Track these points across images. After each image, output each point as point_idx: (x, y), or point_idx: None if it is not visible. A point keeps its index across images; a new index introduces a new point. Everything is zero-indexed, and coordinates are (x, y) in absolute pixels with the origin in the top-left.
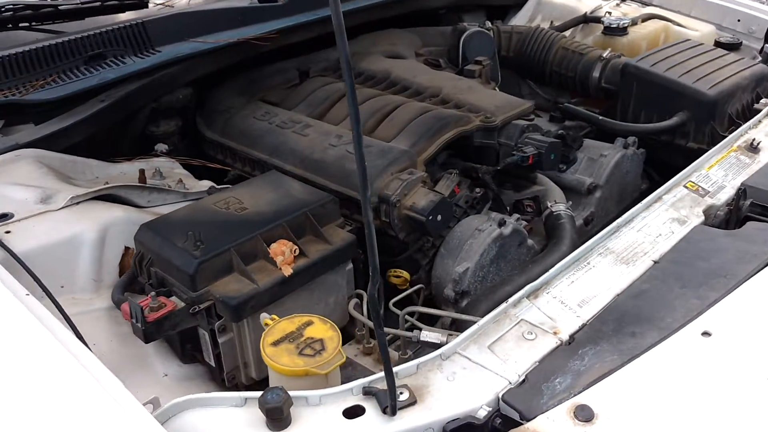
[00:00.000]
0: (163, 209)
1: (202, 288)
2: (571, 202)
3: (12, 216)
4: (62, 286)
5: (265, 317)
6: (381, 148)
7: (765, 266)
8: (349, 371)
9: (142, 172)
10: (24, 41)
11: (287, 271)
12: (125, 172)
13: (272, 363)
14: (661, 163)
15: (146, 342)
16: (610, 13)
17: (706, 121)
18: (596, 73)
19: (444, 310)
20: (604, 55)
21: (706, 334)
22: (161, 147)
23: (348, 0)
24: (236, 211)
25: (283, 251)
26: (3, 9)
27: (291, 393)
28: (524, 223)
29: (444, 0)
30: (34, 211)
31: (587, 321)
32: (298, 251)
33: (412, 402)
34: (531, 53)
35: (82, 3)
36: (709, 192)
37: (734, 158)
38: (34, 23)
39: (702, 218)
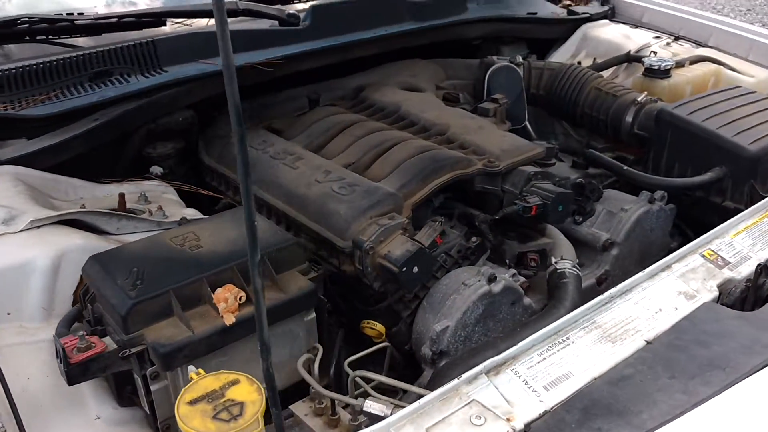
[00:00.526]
0: (131, 238)
1: (135, 331)
2: (578, 260)
3: None
4: (9, 313)
5: (192, 370)
6: (367, 188)
7: None
8: (296, 431)
9: (121, 196)
10: (36, 54)
11: (229, 319)
12: (111, 193)
13: (182, 425)
14: (695, 220)
15: (69, 384)
16: (655, 52)
17: (745, 179)
18: (629, 118)
19: (423, 368)
20: (639, 99)
21: None
22: (156, 170)
23: (377, 26)
24: (190, 248)
25: (226, 298)
26: (19, 21)
27: None
28: (521, 279)
29: (479, 30)
30: None
31: (550, 408)
32: (244, 298)
33: None
34: (562, 92)
35: (96, 19)
36: (729, 263)
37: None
38: (50, 36)
39: (715, 294)
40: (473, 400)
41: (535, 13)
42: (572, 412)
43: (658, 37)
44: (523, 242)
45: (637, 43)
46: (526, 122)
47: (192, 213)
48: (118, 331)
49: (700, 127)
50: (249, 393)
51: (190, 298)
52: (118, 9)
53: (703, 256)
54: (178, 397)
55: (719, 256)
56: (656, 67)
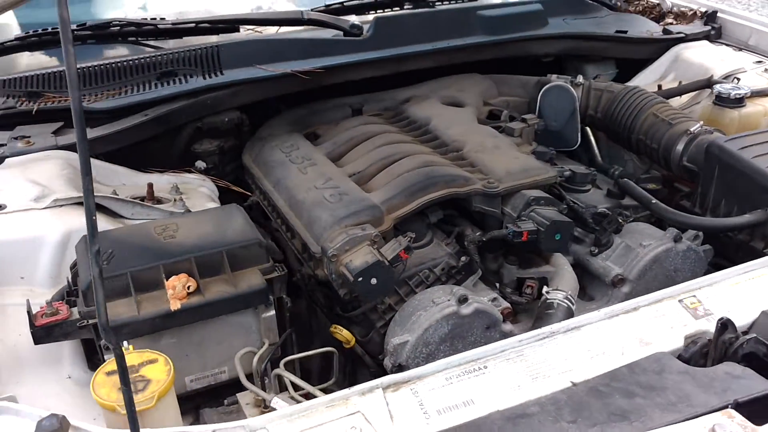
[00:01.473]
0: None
1: (93, 305)
2: (570, 292)
3: (4, 207)
4: (22, 278)
5: (125, 346)
6: (352, 198)
7: (687, 419)
8: (233, 417)
9: (150, 185)
10: (116, 55)
11: (174, 305)
12: (158, 181)
13: (92, 391)
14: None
15: (36, 343)
16: (738, 78)
17: None
18: (679, 148)
19: None
20: (693, 129)
21: None
22: (200, 164)
23: (441, 39)
24: (164, 237)
25: (174, 285)
26: (111, 25)
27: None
28: (504, 304)
29: (551, 47)
30: (23, 207)
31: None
32: (193, 288)
33: None
34: (619, 116)
35: (176, 24)
36: (711, 314)
37: None
38: (139, 39)
39: (678, 345)
40: (358, 411)
41: (625, 32)
42: None
43: (759, 62)
44: (523, 268)
45: (731, 66)
46: (594, 147)
47: (213, 206)
48: (80, 304)
49: (748, 163)
50: (159, 373)
51: (147, 282)
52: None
53: (682, 302)
54: (100, 367)
55: (702, 305)
56: (726, 95)
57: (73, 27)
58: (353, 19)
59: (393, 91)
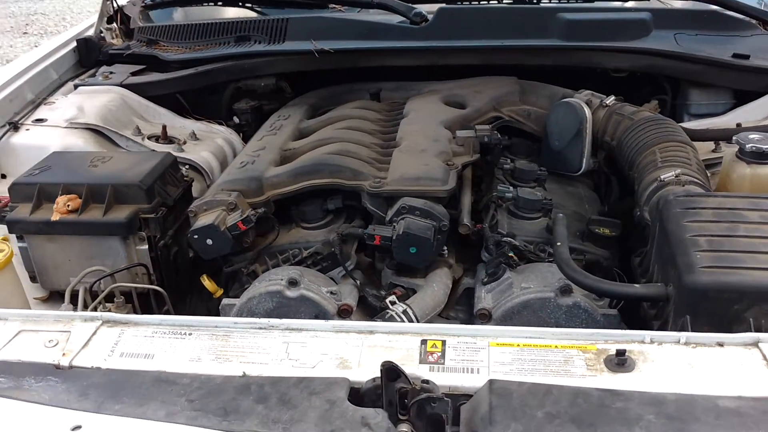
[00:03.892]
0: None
1: (15, 203)
2: (416, 308)
3: (45, 121)
4: None
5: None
6: (248, 168)
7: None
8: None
9: (164, 126)
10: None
11: (54, 217)
12: (185, 126)
13: None
14: None
15: None
16: None
17: (682, 310)
18: (645, 196)
19: None
20: (664, 176)
21: None
22: (236, 119)
23: (508, 37)
24: (90, 165)
25: (59, 201)
26: None
27: None
28: (344, 301)
29: (623, 61)
30: (53, 123)
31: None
32: (73, 207)
33: None
34: (626, 147)
35: None
36: (441, 364)
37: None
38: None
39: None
40: (69, 331)
41: (747, 57)
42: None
43: None
44: (398, 274)
45: None
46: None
47: (207, 155)
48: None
49: (673, 227)
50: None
51: (50, 195)
52: None
53: (425, 343)
54: None
55: (441, 353)
56: (743, 145)
57: None
58: (425, 8)
59: (420, 83)
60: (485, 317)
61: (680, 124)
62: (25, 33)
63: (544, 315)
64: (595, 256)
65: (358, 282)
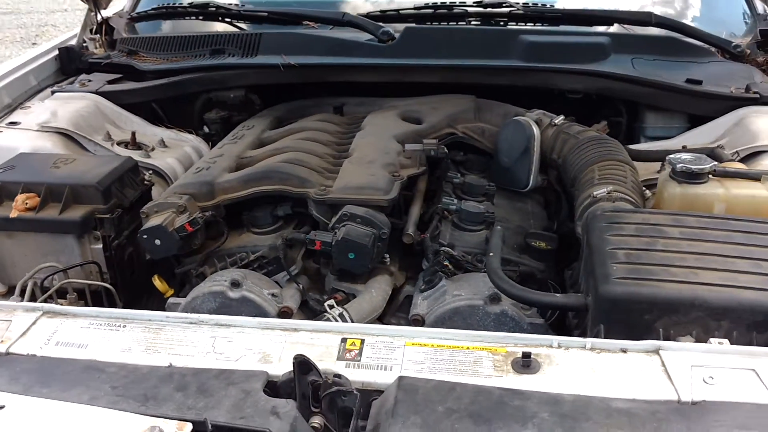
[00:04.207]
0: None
1: None
2: (352, 313)
3: (18, 124)
4: None
5: None
6: (203, 173)
7: None
8: None
9: (133, 133)
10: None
11: (13, 213)
12: (155, 133)
13: None
14: None
15: None
16: (737, 153)
17: (597, 320)
18: (578, 212)
19: None
20: (596, 193)
21: None
22: (205, 129)
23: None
24: (53, 167)
25: (18, 199)
26: (209, 6)
27: None
28: (285, 303)
29: (578, 83)
30: (26, 126)
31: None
32: (31, 205)
33: None
34: (569, 165)
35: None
36: (357, 361)
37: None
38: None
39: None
40: (11, 320)
41: (700, 82)
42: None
43: None
44: (340, 280)
45: None
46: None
47: (173, 161)
48: None
49: (596, 241)
50: None
51: (11, 193)
52: None
53: (345, 341)
54: None
55: (358, 350)
56: (674, 165)
57: (185, 4)
58: (396, 26)
59: (383, 99)
60: (418, 323)
61: (634, 145)
62: (34, 44)
63: (473, 322)
64: (530, 268)
65: (301, 286)
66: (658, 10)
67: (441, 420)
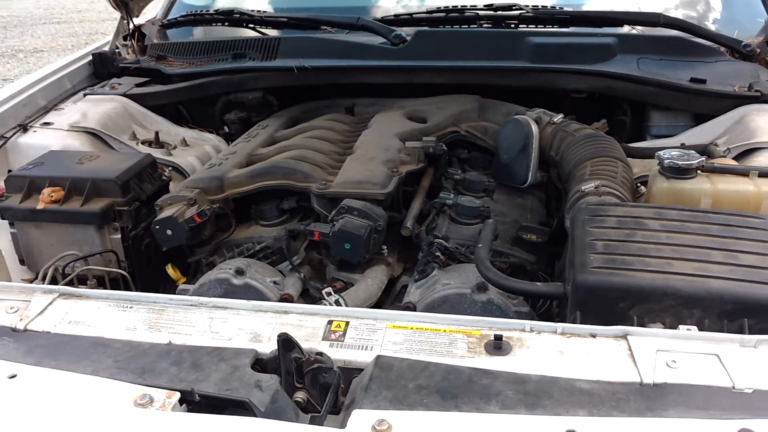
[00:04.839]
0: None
1: (9, 194)
2: (347, 300)
3: (52, 124)
4: None
5: None
6: (214, 169)
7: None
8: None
9: (156, 132)
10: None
11: (39, 206)
12: (178, 133)
13: None
14: None
15: None
16: (728, 149)
17: (573, 307)
18: (568, 206)
19: None
20: (584, 187)
21: None
22: (226, 129)
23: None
24: (78, 163)
25: (44, 192)
26: (234, 12)
27: None
28: (285, 292)
29: (581, 83)
30: (58, 126)
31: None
32: (56, 198)
33: None
34: (565, 162)
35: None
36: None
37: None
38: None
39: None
40: (30, 300)
41: (704, 81)
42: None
43: None
44: (340, 269)
45: None
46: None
47: (193, 159)
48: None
49: (578, 233)
50: None
51: (39, 186)
52: None
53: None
54: None
55: (344, 332)
56: (662, 160)
57: (211, 11)
58: (409, 30)
59: (393, 100)
60: (410, 310)
61: (639, 143)
62: None
63: (462, 310)
64: (520, 260)
65: (303, 275)
66: (681, 12)
67: (410, 395)
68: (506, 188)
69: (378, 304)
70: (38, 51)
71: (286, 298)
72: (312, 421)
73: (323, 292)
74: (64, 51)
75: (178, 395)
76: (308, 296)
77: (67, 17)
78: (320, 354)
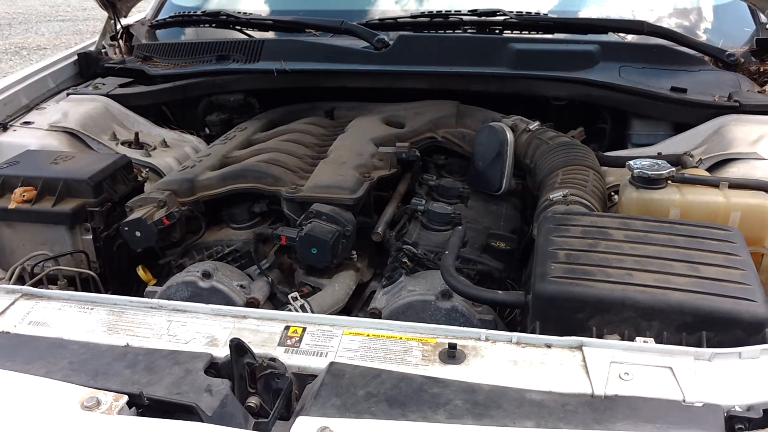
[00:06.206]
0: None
1: None
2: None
3: (32, 123)
4: None
5: None
6: (186, 171)
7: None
8: None
9: (137, 133)
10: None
11: (11, 205)
12: (159, 134)
13: None
14: None
15: None
16: (701, 160)
17: (535, 317)
18: (536, 216)
19: None
20: (552, 196)
21: None
22: (207, 130)
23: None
24: (53, 162)
25: (16, 192)
26: (220, 14)
27: None
28: (251, 295)
29: (561, 90)
30: (38, 126)
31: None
32: (28, 197)
33: None
34: (538, 170)
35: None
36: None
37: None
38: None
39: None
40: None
41: (685, 90)
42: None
43: None
44: (308, 274)
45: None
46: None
47: (171, 159)
48: None
49: (542, 242)
50: None
51: (11, 186)
52: None
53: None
54: None
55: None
56: (632, 170)
57: (198, 12)
58: (393, 34)
59: (374, 104)
60: (375, 316)
61: (616, 152)
62: None
63: (426, 317)
64: (488, 267)
65: (270, 279)
66: (671, 21)
67: (359, 402)
68: (482, 195)
69: (347, 309)
70: (42, 48)
71: (252, 302)
72: (257, 427)
73: (289, 296)
74: (67, 49)
75: (125, 398)
76: (276, 300)
77: (72, 15)
78: (273, 359)
